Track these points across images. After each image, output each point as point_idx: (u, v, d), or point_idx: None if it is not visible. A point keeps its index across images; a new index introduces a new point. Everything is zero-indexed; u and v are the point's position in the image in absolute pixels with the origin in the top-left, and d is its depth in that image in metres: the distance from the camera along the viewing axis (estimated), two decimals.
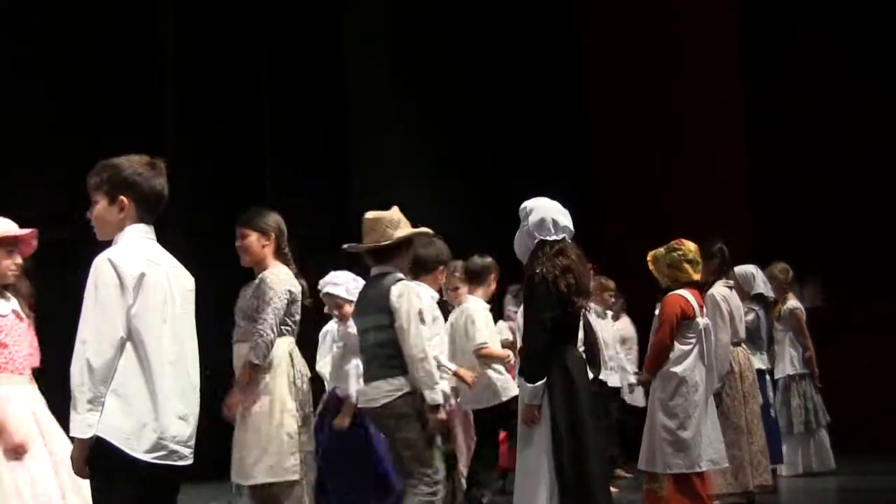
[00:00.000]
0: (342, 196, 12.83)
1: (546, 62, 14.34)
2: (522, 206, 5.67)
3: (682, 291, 6.90)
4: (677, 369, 6.76)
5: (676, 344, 6.81)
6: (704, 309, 7.06)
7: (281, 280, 5.60)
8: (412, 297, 5.61)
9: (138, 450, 3.64)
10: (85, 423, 3.61)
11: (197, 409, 3.87)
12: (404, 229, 5.76)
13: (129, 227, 3.88)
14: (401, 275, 5.75)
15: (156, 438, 3.68)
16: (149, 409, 3.69)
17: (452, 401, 6.76)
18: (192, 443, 3.80)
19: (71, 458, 3.70)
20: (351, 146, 13.21)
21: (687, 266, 6.92)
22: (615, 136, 14.51)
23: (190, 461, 3.81)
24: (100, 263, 3.73)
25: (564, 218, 5.59)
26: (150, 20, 12.82)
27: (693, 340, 6.83)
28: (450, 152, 12.72)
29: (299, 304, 5.67)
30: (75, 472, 3.73)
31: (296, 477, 5.44)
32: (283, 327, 5.58)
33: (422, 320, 5.63)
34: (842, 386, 10.71)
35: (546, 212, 5.58)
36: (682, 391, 6.71)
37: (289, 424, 5.47)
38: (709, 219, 9.12)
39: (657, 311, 7.07)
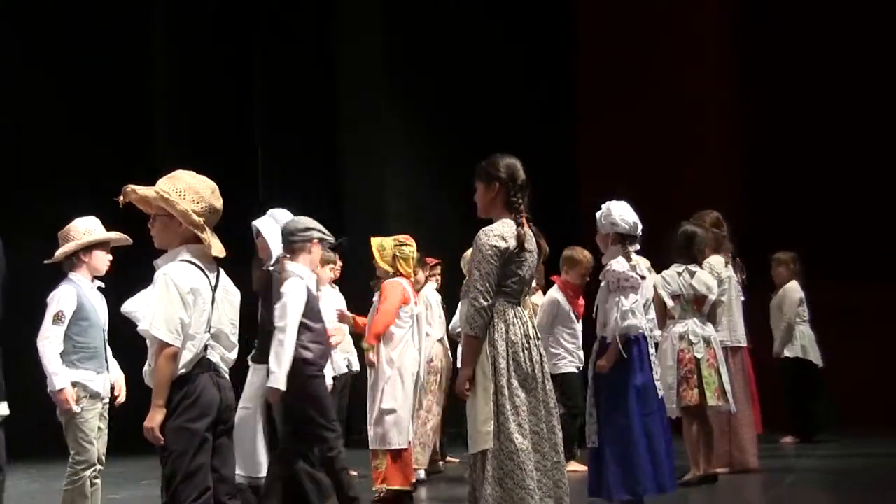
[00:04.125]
0: (334, 196, 13.00)
1: (537, 66, 14.51)
2: None
3: None
4: None
5: None
6: None
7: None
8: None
9: None
10: None
11: None
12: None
13: None
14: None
15: None
16: None
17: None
18: None
19: None
20: (345, 146, 13.38)
21: None
22: (603, 132, 14.63)
23: None
24: None
25: None
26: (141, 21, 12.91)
27: None
28: (442, 153, 12.87)
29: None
30: None
31: None
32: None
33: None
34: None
35: None
36: None
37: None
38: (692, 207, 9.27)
39: None
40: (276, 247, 6.54)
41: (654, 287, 7.88)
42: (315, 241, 6.68)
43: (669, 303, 8.07)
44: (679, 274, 8.14)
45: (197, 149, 12.16)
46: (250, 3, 13.41)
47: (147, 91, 12.84)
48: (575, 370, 9.11)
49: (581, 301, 9.12)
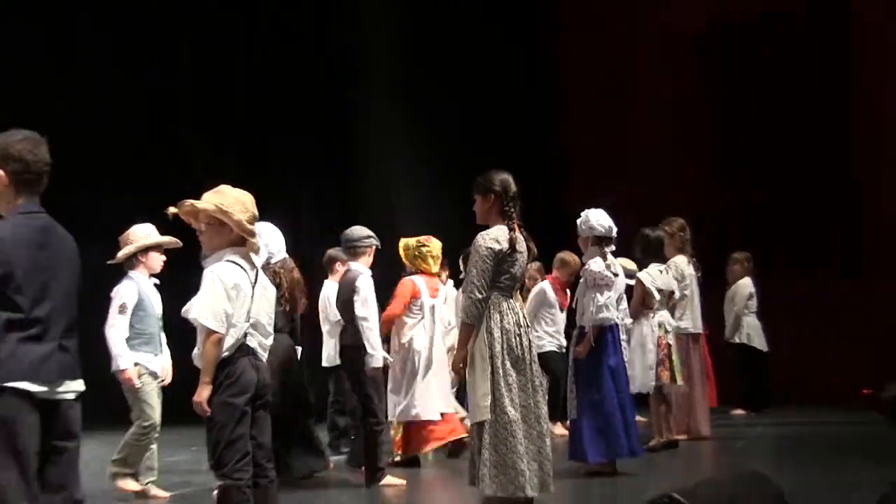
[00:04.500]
0: (347, 200, 12.59)
1: (526, 87, 14.29)
2: None
3: None
4: None
5: None
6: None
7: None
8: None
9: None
10: None
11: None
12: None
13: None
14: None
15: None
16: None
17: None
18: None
19: None
20: (352, 150, 13.02)
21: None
22: (584, 140, 14.55)
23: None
24: None
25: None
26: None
27: None
28: (444, 161, 12.56)
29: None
30: None
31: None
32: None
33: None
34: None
35: None
36: None
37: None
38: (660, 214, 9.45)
39: None
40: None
41: (641, 281, 8.12)
42: (373, 246, 7.15)
43: (657, 296, 8.29)
44: (660, 272, 8.38)
45: (203, 149, 11.74)
46: (250, 2, 12.65)
47: (153, 92, 11.83)
48: (555, 349, 9.46)
49: (568, 294, 9.33)
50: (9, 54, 10.39)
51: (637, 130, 14.15)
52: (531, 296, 9.48)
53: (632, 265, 8.59)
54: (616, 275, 7.02)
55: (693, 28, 14.15)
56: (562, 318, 9.59)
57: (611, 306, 6.88)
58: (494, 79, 13.49)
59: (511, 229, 5.54)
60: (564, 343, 9.30)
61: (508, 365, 5.44)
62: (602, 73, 14.44)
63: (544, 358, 9.09)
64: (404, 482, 7.01)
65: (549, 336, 9.47)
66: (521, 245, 5.57)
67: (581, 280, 7.16)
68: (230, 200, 4.68)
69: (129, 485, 6.42)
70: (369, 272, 7.10)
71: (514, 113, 13.65)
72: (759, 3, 13.77)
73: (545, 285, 9.57)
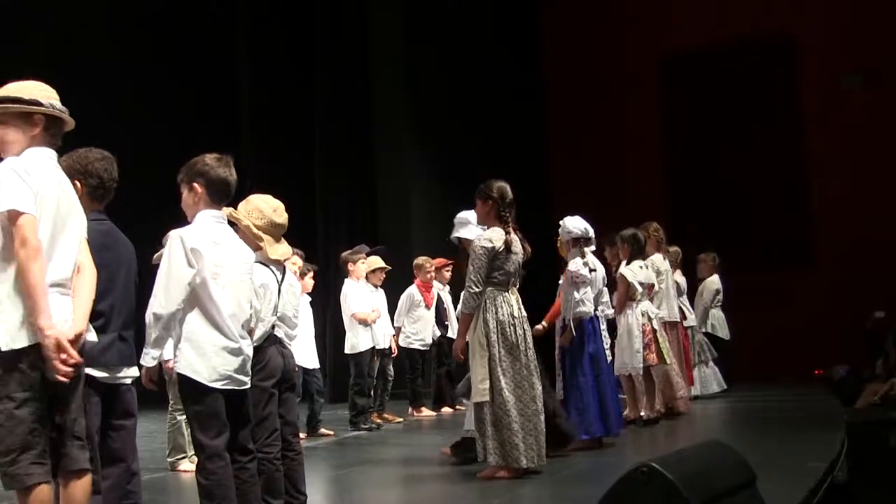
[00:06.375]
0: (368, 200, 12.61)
1: (527, 120, 14.38)
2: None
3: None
4: None
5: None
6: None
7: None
8: None
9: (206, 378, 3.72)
10: (149, 356, 3.71)
11: (250, 349, 3.88)
12: None
13: (203, 211, 3.82)
14: None
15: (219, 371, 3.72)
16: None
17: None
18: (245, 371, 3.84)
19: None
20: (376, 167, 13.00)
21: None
22: (569, 153, 14.62)
23: (247, 385, 3.84)
24: (171, 238, 3.76)
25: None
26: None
27: None
28: (451, 168, 12.49)
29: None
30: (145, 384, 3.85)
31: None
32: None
33: None
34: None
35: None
36: None
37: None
38: (636, 217, 9.31)
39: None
40: None
41: (625, 276, 7.98)
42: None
43: (639, 289, 8.16)
44: (641, 268, 8.26)
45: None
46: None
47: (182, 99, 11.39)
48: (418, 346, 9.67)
49: (433, 293, 9.67)
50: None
51: (619, 153, 14.13)
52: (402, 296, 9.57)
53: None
54: (594, 270, 6.87)
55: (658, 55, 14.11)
56: (430, 314, 9.63)
57: (587, 300, 6.74)
58: (501, 110, 13.42)
59: (507, 231, 5.45)
60: (428, 340, 9.55)
61: (504, 352, 5.36)
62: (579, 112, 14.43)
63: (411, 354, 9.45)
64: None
65: (415, 334, 9.58)
66: (517, 246, 5.48)
67: (563, 278, 7.03)
68: (250, 207, 4.48)
69: (186, 466, 6.31)
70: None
71: (516, 141, 13.60)
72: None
73: (412, 288, 9.58)
